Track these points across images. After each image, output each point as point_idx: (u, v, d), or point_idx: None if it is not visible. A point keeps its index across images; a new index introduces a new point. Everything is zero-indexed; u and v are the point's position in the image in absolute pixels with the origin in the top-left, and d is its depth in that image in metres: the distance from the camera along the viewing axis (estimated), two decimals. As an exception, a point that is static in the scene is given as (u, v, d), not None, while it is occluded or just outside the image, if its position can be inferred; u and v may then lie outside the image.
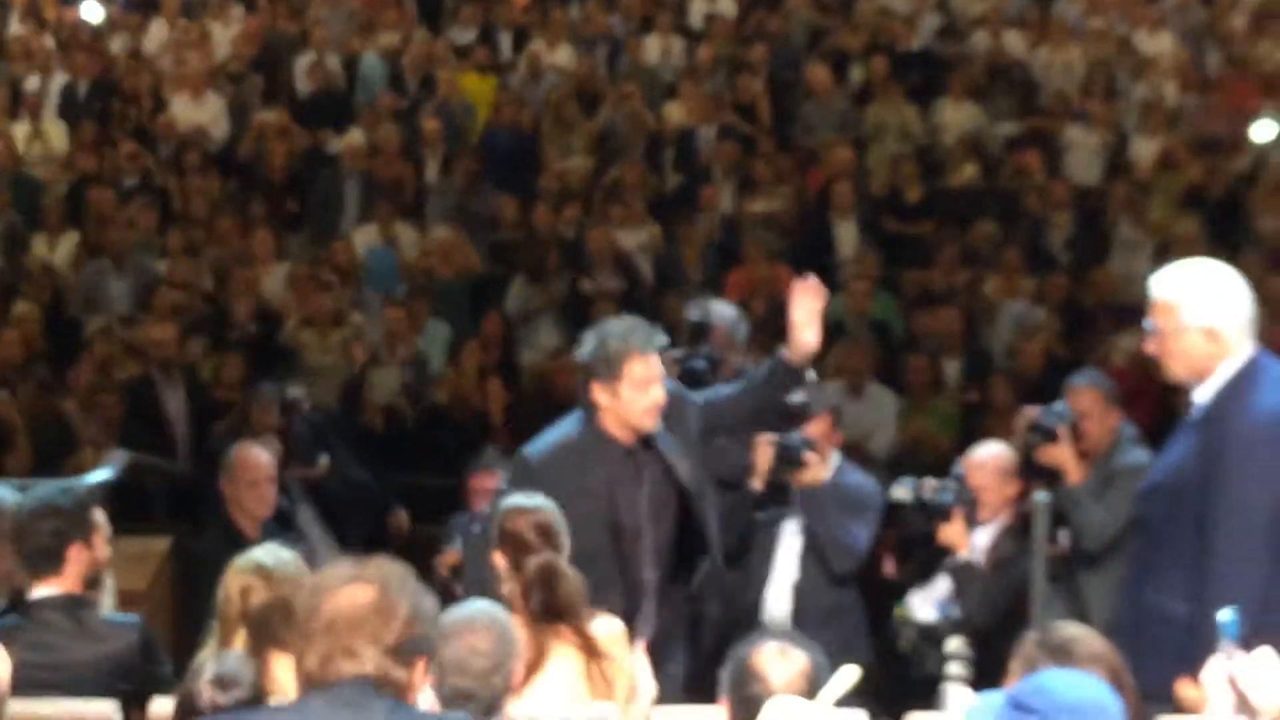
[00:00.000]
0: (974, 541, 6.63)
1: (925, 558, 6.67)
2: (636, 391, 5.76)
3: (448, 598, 5.62)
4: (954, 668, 6.23)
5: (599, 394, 5.82)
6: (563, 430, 6.03)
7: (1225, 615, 4.26)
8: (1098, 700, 3.61)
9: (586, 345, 5.86)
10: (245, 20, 15.71)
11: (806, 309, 5.83)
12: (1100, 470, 6.54)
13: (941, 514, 6.49)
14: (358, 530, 8.19)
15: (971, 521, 6.56)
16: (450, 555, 7.10)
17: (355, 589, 3.38)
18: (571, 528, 5.47)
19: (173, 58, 14.75)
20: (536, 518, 5.42)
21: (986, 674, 5.93)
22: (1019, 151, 12.97)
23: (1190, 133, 13.26)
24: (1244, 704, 4.17)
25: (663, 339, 5.94)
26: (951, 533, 6.49)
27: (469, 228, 12.12)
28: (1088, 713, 3.57)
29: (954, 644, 6.29)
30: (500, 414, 9.89)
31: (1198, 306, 5.22)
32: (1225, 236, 10.63)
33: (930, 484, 6.57)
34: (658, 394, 5.80)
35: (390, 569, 3.51)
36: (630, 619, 5.69)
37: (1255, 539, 5.16)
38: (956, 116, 13.62)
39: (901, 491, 6.57)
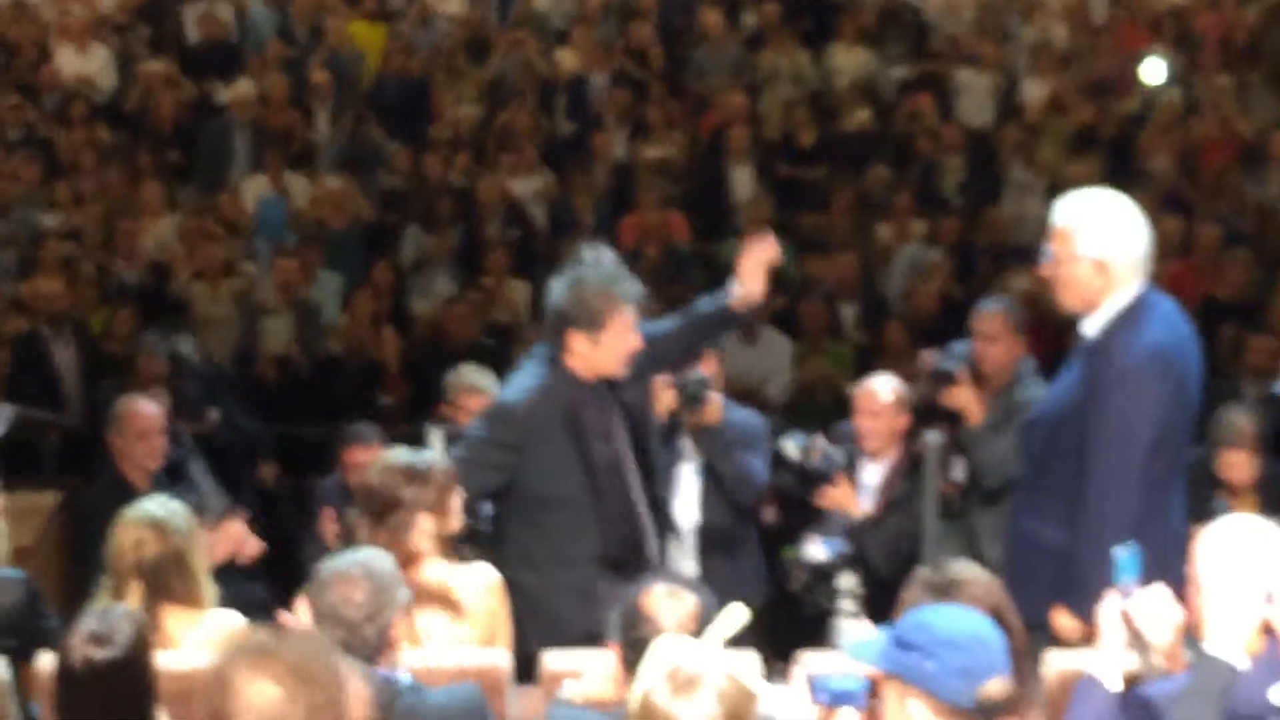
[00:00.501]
0: (864, 481, 6.72)
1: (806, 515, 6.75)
2: (618, 341, 5.77)
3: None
4: (847, 604, 6.26)
5: (576, 341, 5.78)
6: (533, 375, 5.97)
7: (1123, 552, 4.28)
8: (977, 634, 3.64)
9: (563, 293, 5.81)
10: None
11: (756, 260, 5.82)
12: (1000, 403, 6.56)
13: (826, 478, 6.55)
14: (248, 481, 8.15)
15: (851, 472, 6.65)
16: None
17: (261, 686, 3.27)
18: (561, 470, 5.68)
19: (56, 8, 14.52)
20: (401, 468, 5.40)
21: (882, 611, 6.03)
22: (911, 95, 13.02)
23: (1080, 75, 13.33)
24: (1137, 639, 4.20)
25: (641, 288, 5.95)
26: (838, 496, 6.56)
27: (360, 177, 12.05)
28: (967, 646, 3.60)
29: (846, 581, 6.30)
30: (395, 362, 9.84)
31: (1090, 237, 5.28)
32: (1116, 177, 10.68)
33: (818, 447, 6.61)
34: (635, 341, 5.81)
35: (300, 652, 3.34)
36: (631, 559, 5.80)
37: (1132, 471, 5.25)
38: (849, 61, 13.63)
39: (791, 448, 6.59)
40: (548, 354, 5.92)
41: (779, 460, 6.65)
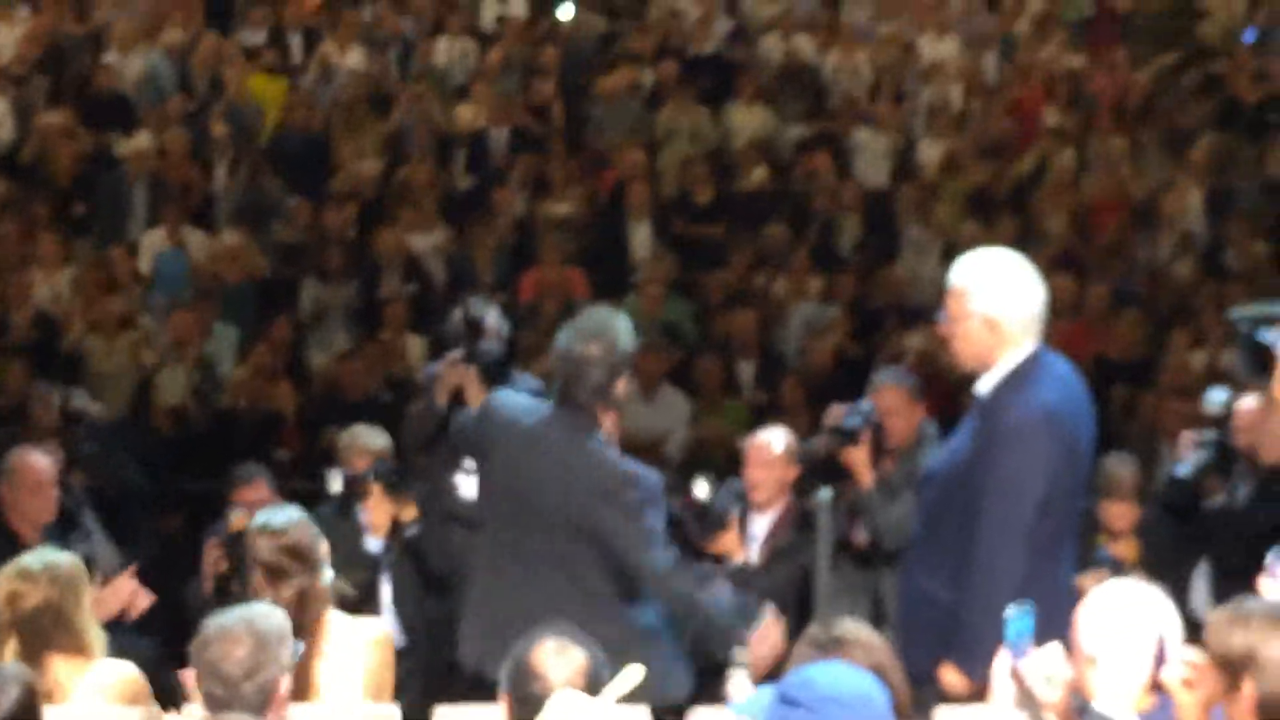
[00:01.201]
0: (753, 532, 6.81)
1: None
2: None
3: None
4: (739, 654, 6.28)
5: (622, 387, 5.76)
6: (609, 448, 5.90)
7: (1014, 611, 4.33)
8: (862, 692, 3.67)
9: (609, 340, 5.66)
10: (31, 20, 15.47)
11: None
12: (904, 467, 6.62)
13: (723, 523, 6.58)
14: (137, 533, 8.09)
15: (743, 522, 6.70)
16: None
17: None
18: None
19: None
20: (285, 540, 5.37)
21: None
22: (809, 154, 13.08)
23: (976, 136, 13.47)
24: (1028, 698, 4.25)
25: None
26: (726, 541, 6.58)
27: (258, 230, 12.00)
28: (852, 704, 3.62)
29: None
30: (292, 415, 9.82)
31: (984, 296, 5.33)
32: (1011, 237, 10.78)
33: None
34: None
35: None
36: None
37: (1020, 530, 5.28)
38: (747, 119, 13.72)
39: (701, 488, 6.62)
40: (588, 424, 5.75)
41: (681, 509, 6.67)
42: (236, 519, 6.78)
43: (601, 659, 4.36)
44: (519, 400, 5.95)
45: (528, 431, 5.70)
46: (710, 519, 6.59)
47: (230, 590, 6.51)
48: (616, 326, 5.71)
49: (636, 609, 5.77)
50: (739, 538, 6.63)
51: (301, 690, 4.72)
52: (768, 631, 5.62)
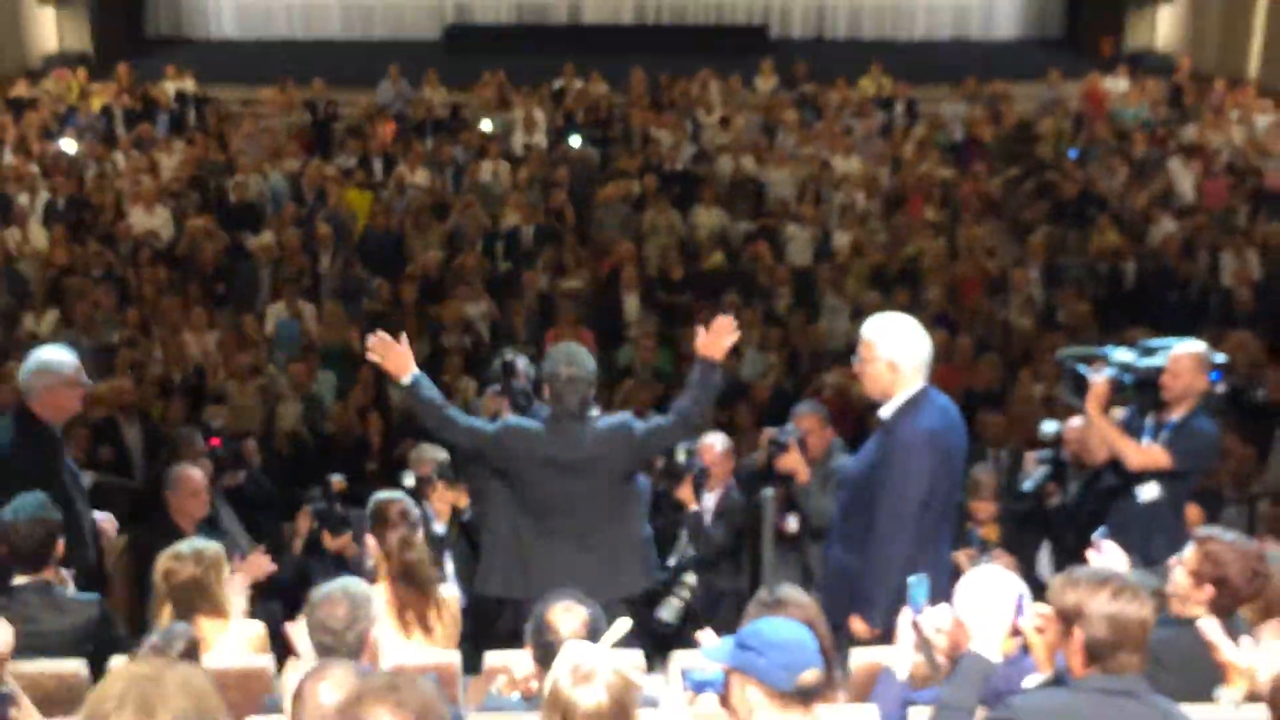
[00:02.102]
0: (705, 502, 7.00)
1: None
2: None
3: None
4: (685, 593, 6.51)
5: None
6: None
7: (914, 581, 4.35)
8: (797, 638, 3.67)
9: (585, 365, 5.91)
10: (184, 151, 15.57)
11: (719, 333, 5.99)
12: (819, 472, 6.64)
13: (680, 475, 6.79)
14: (263, 525, 8.05)
15: (700, 488, 6.87)
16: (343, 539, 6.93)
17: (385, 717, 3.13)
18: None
19: (130, 180, 14.53)
20: (399, 506, 5.51)
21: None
22: (752, 243, 13.08)
23: (874, 228, 13.53)
24: (924, 643, 4.24)
25: None
26: (683, 491, 6.80)
27: (351, 303, 11.99)
28: (789, 647, 3.63)
29: (690, 578, 6.55)
30: (378, 439, 9.81)
31: (886, 345, 5.42)
32: (902, 304, 10.77)
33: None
34: None
35: (423, 693, 3.18)
36: None
37: (907, 519, 5.40)
38: (707, 218, 13.79)
39: (682, 453, 6.80)
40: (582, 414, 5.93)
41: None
42: (336, 481, 6.83)
43: (600, 615, 4.33)
44: (525, 421, 6.06)
45: (542, 432, 5.88)
46: (676, 471, 6.79)
47: (317, 547, 6.51)
48: (584, 356, 5.95)
49: (641, 524, 6.09)
50: (691, 491, 6.78)
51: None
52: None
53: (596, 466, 5.82)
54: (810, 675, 3.67)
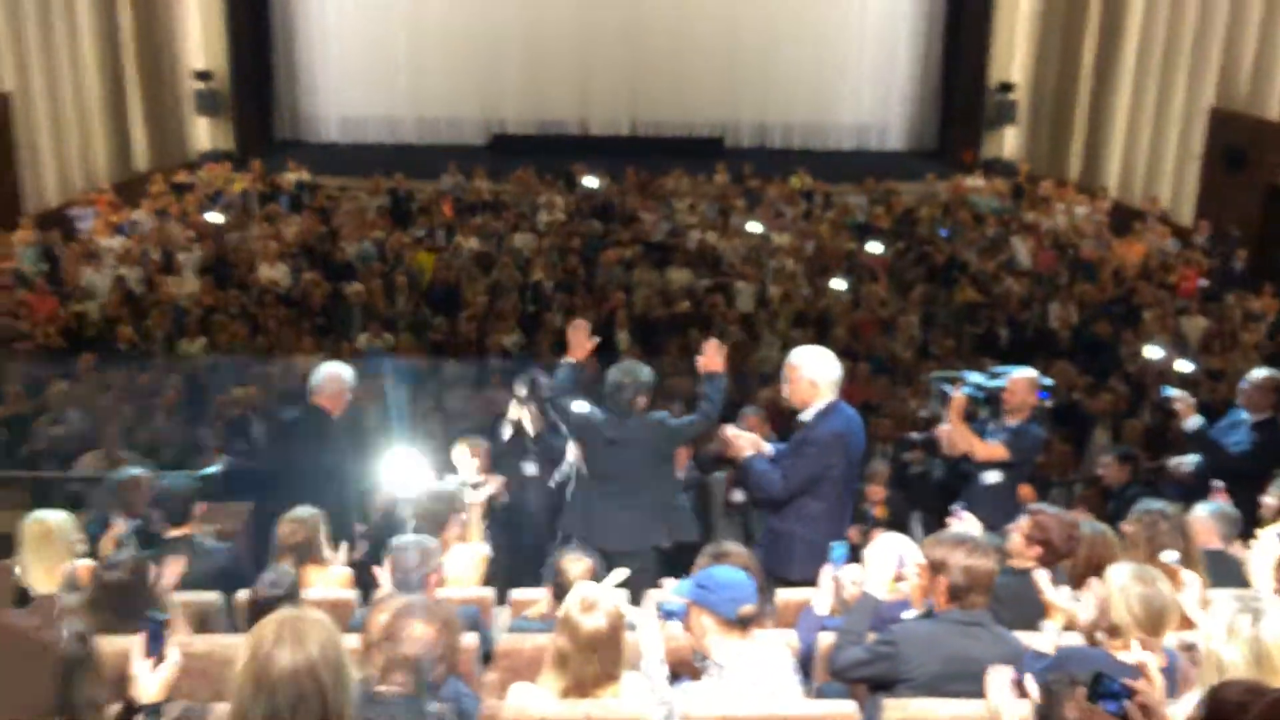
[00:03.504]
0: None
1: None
2: None
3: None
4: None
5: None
6: None
7: (836, 545, 4.38)
8: (740, 580, 3.67)
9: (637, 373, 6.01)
10: (297, 223, 15.56)
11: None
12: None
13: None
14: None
15: None
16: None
17: (421, 626, 3.30)
18: None
19: (260, 243, 14.50)
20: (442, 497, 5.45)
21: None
22: (711, 295, 13.07)
23: (799, 285, 13.53)
24: (838, 589, 4.26)
25: None
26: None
27: (419, 335, 11.97)
28: (734, 586, 3.63)
29: None
30: (441, 433, 9.75)
31: (807, 368, 5.39)
32: (817, 339, 10.78)
33: None
34: None
35: (443, 610, 3.44)
36: None
37: (815, 493, 5.43)
38: (679, 276, 13.78)
39: None
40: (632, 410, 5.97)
41: None
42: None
43: (601, 562, 4.34)
44: (597, 411, 6.07)
45: (605, 419, 5.98)
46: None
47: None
48: (639, 369, 6.08)
49: (679, 494, 6.19)
50: None
51: (441, 581, 4.67)
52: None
53: (639, 445, 5.87)
54: (748, 608, 3.68)
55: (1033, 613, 4.22)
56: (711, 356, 5.97)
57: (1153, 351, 10.26)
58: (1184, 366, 9.94)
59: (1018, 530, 4.58)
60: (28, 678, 2.49)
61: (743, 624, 3.68)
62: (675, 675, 3.86)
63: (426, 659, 3.17)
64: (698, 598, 3.71)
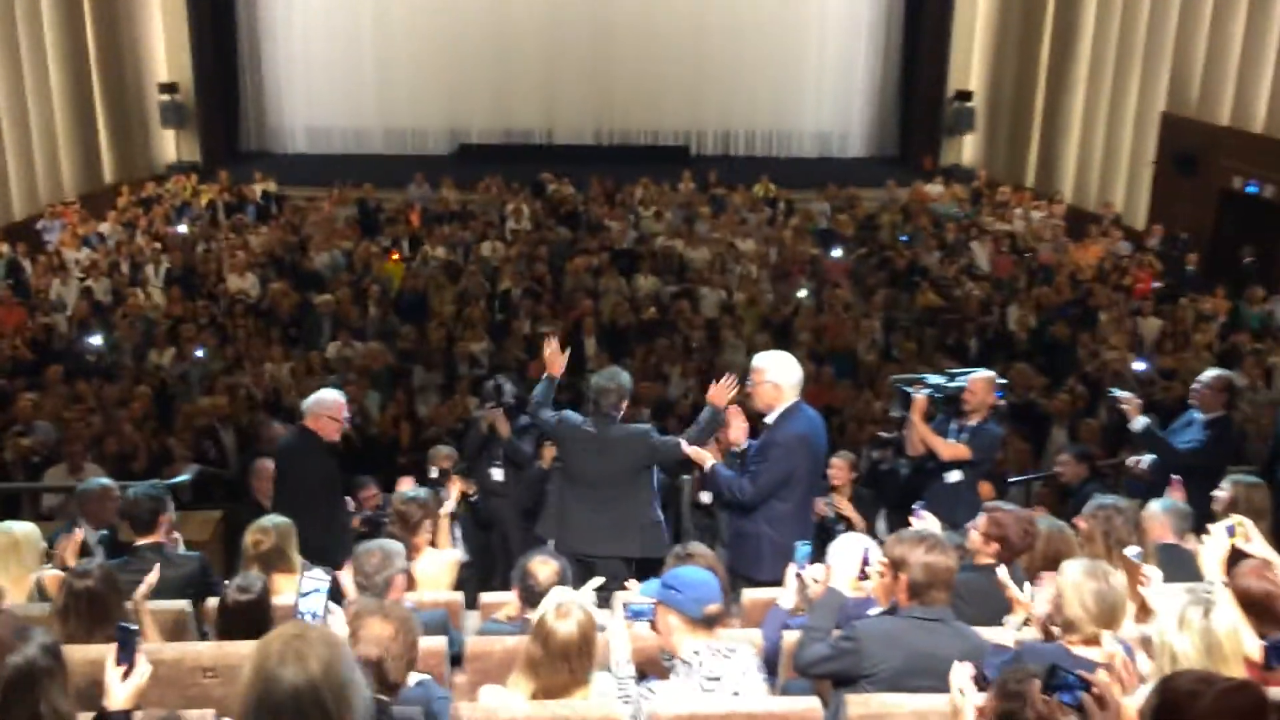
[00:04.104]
0: None
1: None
2: None
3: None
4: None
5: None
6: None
7: (800, 544, 4.41)
8: (706, 580, 3.70)
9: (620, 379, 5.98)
10: (266, 234, 15.48)
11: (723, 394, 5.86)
12: (730, 460, 6.63)
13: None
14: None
15: None
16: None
17: (379, 624, 3.35)
18: None
19: (228, 253, 14.41)
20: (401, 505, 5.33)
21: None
22: (677, 301, 13.08)
23: (763, 290, 13.58)
24: (803, 587, 4.28)
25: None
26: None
27: (389, 343, 11.92)
28: (699, 586, 3.66)
29: None
30: (408, 440, 9.73)
31: (772, 372, 5.42)
32: (781, 344, 10.84)
33: None
34: None
35: (400, 612, 3.47)
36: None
37: (781, 495, 5.44)
38: (645, 283, 13.78)
39: None
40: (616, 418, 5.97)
41: None
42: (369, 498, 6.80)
43: (568, 568, 4.34)
44: (575, 416, 6.08)
45: (584, 423, 5.99)
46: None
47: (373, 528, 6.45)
48: (621, 375, 6.06)
49: (654, 506, 6.03)
50: None
51: (411, 584, 4.66)
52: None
53: (621, 452, 5.87)
54: (713, 607, 3.69)
55: (996, 608, 4.26)
56: (721, 390, 5.86)
57: (1136, 364, 10.18)
58: (1138, 366, 10.04)
59: (976, 528, 4.62)
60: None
61: (708, 623, 3.70)
62: (642, 675, 3.87)
63: (387, 659, 3.17)
64: (664, 597, 3.73)
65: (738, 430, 6.06)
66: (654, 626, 3.80)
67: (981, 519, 4.60)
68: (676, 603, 3.68)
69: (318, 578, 3.37)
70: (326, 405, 6.30)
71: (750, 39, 20.85)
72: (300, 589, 3.35)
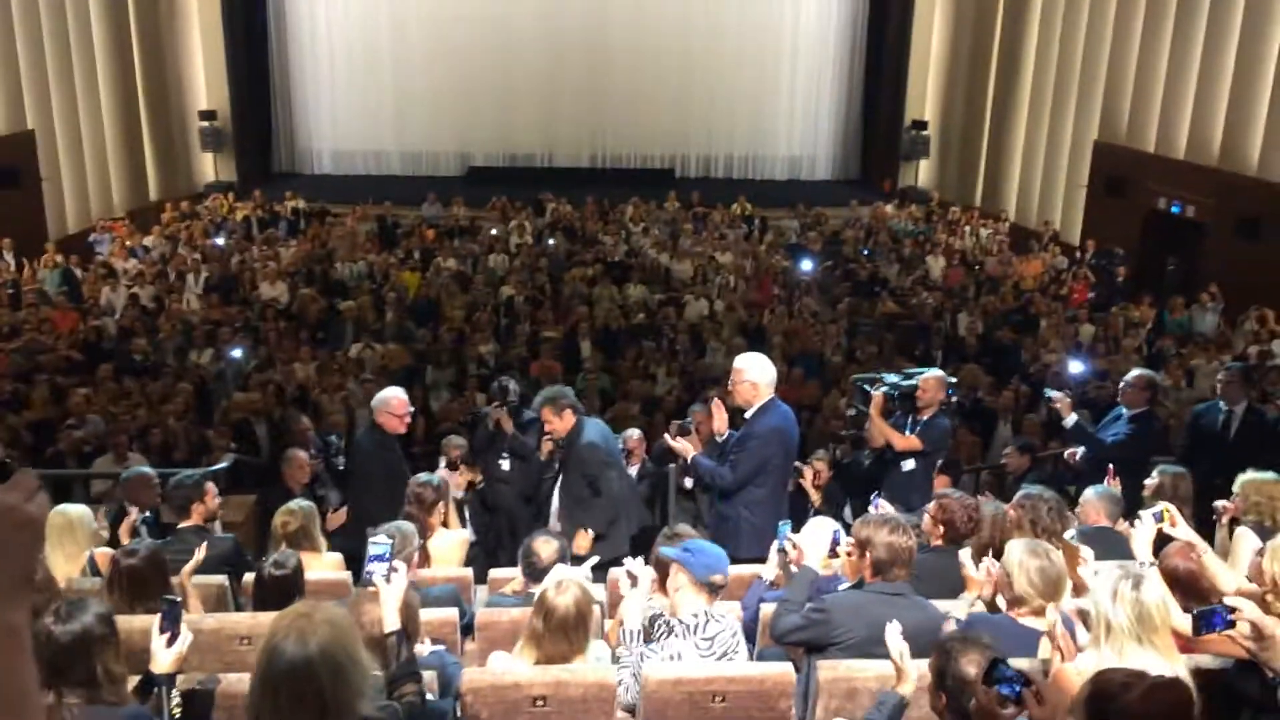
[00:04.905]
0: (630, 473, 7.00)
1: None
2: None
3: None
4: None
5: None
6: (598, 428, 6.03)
7: (781, 524, 4.40)
8: (720, 556, 3.78)
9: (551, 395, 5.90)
10: (296, 246, 15.41)
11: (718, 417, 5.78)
12: (710, 448, 6.63)
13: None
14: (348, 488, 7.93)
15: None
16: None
17: (373, 608, 3.20)
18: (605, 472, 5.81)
19: (261, 264, 14.35)
20: (429, 484, 5.30)
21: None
22: (664, 308, 13.08)
23: (741, 300, 13.57)
24: (785, 562, 4.28)
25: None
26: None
27: (406, 344, 11.87)
28: (712, 557, 3.73)
29: None
30: (422, 432, 9.67)
31: (749, 372, 5.39)
32: (756, 345, 10.82)
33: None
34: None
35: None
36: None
37: (756, 484, 5.42)
38: (635, 291, 13.77)
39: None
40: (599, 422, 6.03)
41: None
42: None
43: (567, 547, 4.33)
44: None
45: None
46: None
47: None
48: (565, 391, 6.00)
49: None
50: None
51: (425, 561, 4.64)
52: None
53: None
54: (718, 578, 3.72)
55: (950, 586, 4.26)
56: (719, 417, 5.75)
57: (1074, 365, 10.13)
58: (1078, 367, 10.04)
59: (927, 513, 4.63)
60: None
61: (710, 589, 3.73)
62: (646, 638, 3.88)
63: (395, 646, 3.12)
64: (680, 558, 3.77)
65: (720, 421, 6.08)
66: (663, 586, 3.84)
67: (931, 505, 4.61)
68: (689, 564, 3.73)
69: (381, 541, 3.34)
70: (389, 403, 6.29)
71: (729, 74, 20.90)
72: (368, 552, 3.32)
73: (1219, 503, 5.07)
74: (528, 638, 3.56)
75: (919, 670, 3.22)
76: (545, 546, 4.24)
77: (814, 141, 21.63)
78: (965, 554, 4.28)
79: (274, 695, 2.33)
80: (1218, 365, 9.65)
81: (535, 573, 4.10)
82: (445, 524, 5.29)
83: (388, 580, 3.16)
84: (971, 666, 2.86)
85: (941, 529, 4.52)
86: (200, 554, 4.40)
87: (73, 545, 4.71)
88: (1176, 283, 13.98)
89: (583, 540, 5.62)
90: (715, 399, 6.93)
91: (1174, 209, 14.57)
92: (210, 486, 5.23)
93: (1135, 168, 15.19)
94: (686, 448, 5.71)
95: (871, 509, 4.62)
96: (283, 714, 2.31)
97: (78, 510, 4.86)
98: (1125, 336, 12.17)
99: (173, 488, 5.13)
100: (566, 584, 3.55)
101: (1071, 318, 13.00)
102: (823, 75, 21.36)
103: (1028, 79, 17.99)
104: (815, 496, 6.56)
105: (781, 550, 4.36)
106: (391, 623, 3.09)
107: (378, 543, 3.37)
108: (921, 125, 20.60)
